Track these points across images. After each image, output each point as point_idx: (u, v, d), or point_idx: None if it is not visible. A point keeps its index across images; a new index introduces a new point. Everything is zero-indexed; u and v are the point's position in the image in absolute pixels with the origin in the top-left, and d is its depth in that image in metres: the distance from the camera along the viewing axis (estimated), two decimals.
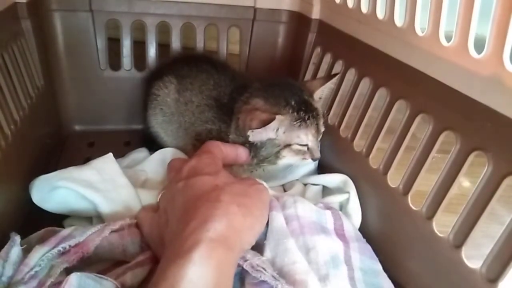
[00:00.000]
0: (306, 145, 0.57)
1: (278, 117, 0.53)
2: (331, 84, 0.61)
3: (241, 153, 0.57)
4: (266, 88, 0.58)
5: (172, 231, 0.39)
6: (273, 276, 0.38)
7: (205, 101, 0.63)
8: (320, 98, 0.62)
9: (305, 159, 0.58)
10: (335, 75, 0.62)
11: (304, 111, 0.56)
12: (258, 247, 0.44)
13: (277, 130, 0.55)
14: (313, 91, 0.59)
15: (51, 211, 0.49)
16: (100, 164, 0.53)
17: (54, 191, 0.48)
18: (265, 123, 0.52)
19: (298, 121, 0.55)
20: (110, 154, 0.54)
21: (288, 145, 0.57)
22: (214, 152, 0.52)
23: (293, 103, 0.55)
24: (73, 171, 0.50)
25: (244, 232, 0.40)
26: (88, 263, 0.41)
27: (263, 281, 0.37)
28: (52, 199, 0.49)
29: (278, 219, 0.46)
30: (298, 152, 0.57)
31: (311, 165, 0.65)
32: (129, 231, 0.44)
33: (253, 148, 0.57)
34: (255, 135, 0.55)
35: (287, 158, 0.58)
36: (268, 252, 0.43)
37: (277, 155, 0.58)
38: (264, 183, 0.55)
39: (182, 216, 0.39)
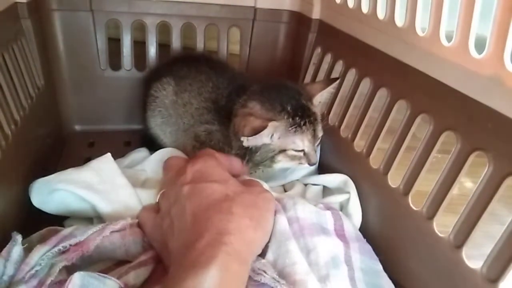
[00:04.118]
0: (302, 150, 0.57)
1: (271, 124, 0.52)
2: (331, 89, 0.61)
3: (235, 164, 0.54)
4: (263, 91, 0.58)
5: (182, 239, 0.39)
6: (273, 278, 0.38)
7: (204, 103, 0.63)
8: (319, 102, 0.61)
9: (302, 164, 0.58)
10: (335, 79, 0.61)
11: (301, 116, 0.55)
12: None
13: (272, 135, 0.55)
14: (313, 95, 0.59)
15: (51, 213, 0.49)
16: (98, 164, 0.52)
17: (54, 193, 0.48)
18: (257, 131, 0.52)
19: (293, 126, 0.55)
20: (109, 154, 0.54)
21: (283, 150, 0.56)
22: (218, 157, 0.51)
23: (289, 108, 0.55)
24: (71, 173, 0.50)
25: (254, 245, 0.41)
26: (90, 262, 0.41)
27: (264, 284, 0.37)
28: (52, 201, 0.49)
29: (281, 221, 0.46)
30: (293, 157, 0.57)
31: None
32: (130, 230, 0.44)
33: (248, 152, 0.57)
34: (249, 141, 0.55)
35: (282, 163, 0.58)
36: (270, 254, 0.43)
37: (272, 159, 0.57)
38: (266, 185, 0.55)
39: (193, 225, 0.39)
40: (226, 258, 0.34)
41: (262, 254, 0.43)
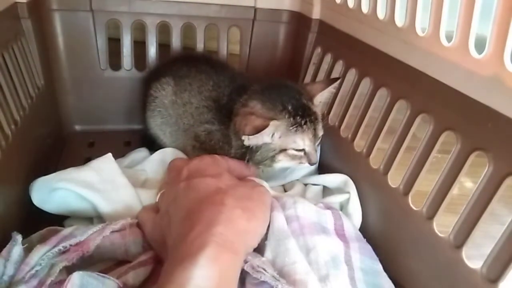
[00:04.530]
0: (303, 149, 0.57)
1: (272, 123, 0.52)
2: (332, 89, 0.60)
3: (244, 169, 0.57)
4: (264, 91, 0.58)
5: (175, 233, 0.39)
6: (273, 277, 0.38)
7: (204, 102, 0.63)
8: (320, 102, 0.61)
9: (302, 163, 0.58)
10: (336, 79, 0.61)
11: (301, 115, 0.55)
12: (259, 247, 0.44)
13: (273, 135, 0.55)
14: (313, 95, 0.59)
15: (51, 212, 0.49)
16: (99, 164, 0.53)
17: (54, 192, 0.48)
18: (258, 130, 0.52)
19: (294, 126, 0.55)
20: (109, 154, 0.54)
21: (283, 150, 0.56)
22: (216, 157, 0.52)
23: (290, 107, 0.55)
24: (72, 172, 0.50)
25: (248, 236, 0.41)
26: (90, 262, 0.41)
27: (264, 282, 0.37)
28: (52, 201, 0.49)
29: (279, 219, 0.46)
30: (294, 157, 0.57)
31: None
32: (130, 230, 0.44)
33: (248, 151, 0.57)
34: (250, 140, 0.55)
35: (283, 162, 0.58)
36: (269, 252, 0.43)
37: (272, 159, 0.57)
38: (265, 183, 0.55)
39: (186, 219, 0.39)
40: (216, 249, 0.35)
41: (261, 252, 0.43)
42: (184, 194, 0.43)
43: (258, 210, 0.44)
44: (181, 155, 0.63)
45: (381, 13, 0.54)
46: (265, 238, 0.45)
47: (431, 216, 0.43)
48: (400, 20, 0.50)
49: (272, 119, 0.53)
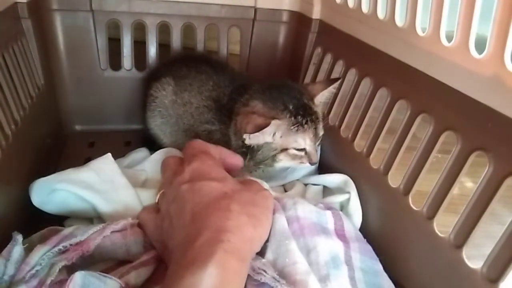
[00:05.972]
0: (304, 149, 0.57)
1: (274, 121, 0.52)
2: (332, 89, 0.61)
3: (227, 154, 0.53)
4: (265, 91, 0.58)
5: (180, 237, 0.39)
6: (273, 278, 0.38)
7: (205, 102, 0.63)
8: (320, 102, 0.61)
9: (303, 163, 0.58)
10: (336, 79, 0.61)
11: (302, 115, 0.55)
12: (260, 249, 0.44)
13: (274, 134, 0.55)
14: (314, 95, 0.59)
15: (51, 213, 0.49)
16: (98, 165, 0.52)
17: (54, 193, 0.48)
18: (260, 128, 0.52)
19: (295, 125, 0.55)
20: (109, 155, 0.54)
21: (285, 149, 0.56)
22: (211, 152, 0.51)
23: (291, 107, 0.55)
24: (71, 173, 0.50)
25: (253, 242, 0.41)
26: (91, 262, 0.41)
27: (264, 283, 0.37)
28: (52, 202, 0.49)
29: (280, 220, 0.46)
30: (295, 156, 0.57)
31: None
32: (131, 230, 0.44)
33: (249, 150, 0.57)
34: (251, 139, 0.55)
35: (284, 162, 0.58)
36: (269, 254, 0.43)
37: (273, 158, 0.57)
38: (266, 184, 0.55)
39: (191, 222, 0.39)
40: (224, 256, 0.35)
41: (262, 254, 0.43)
42: (188, 197, 0.42)
43: (263, 216, 0.44)
44: (180, 155, 0.63)
45: (381, 13, 0.54)
46: (266, 239, 0.45)
47: (431, 216, 0.43)
48: (400, 20, 0.50)
49: (273, 118, 0.53)
